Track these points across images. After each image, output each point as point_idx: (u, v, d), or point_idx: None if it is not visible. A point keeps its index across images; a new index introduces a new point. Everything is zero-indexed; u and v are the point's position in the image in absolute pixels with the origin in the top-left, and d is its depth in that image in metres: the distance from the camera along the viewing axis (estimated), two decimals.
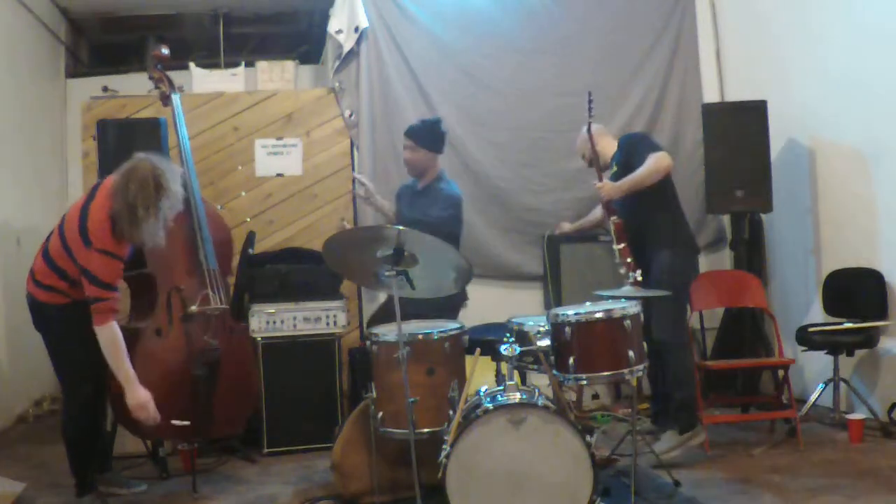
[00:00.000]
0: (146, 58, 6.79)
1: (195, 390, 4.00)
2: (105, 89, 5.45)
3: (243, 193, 5.41)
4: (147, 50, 6.82)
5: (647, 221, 4.30)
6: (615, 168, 4.38)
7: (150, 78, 4.36)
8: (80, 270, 3.55)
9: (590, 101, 4.28)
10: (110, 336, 3.55)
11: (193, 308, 4.07)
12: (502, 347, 3.35)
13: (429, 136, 4.60)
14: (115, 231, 3.53)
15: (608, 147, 4.50)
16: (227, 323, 4.30)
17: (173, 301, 4.09)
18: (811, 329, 4.71)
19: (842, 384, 4.64)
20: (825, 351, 4.64)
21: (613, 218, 4.26)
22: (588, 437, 3.16)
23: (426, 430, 3.42)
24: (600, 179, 4.33)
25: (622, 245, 4.21)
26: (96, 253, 3.52)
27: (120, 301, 3.65)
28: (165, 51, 4.38)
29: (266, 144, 5.45)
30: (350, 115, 5.61)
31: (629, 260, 4.15)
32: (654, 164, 4.13)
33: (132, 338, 3.94)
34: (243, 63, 5.80)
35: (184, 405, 3.99)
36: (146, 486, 4.07)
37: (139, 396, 3.61)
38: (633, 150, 4.29)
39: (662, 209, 4.31)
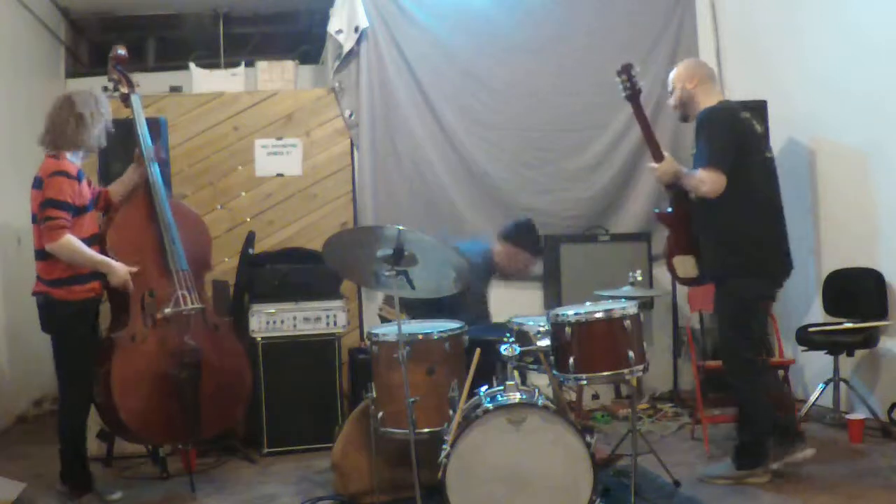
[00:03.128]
0: (147, 57, 6.81)
1: (180, 393, 3.96)
2: (105, 89, 5.43)
3: (243, 193, 5.41)
4: (147, 50, 6.83)
5: (713, 238, 3.85)
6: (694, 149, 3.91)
7: (110, 79, 4.31)
8: (40, 207, 3.69)
9: (627, 75, 3.91)
10: (73, 243, 3.67)
11: (168, 310, 4.02)
12: (502, 347, 3.35)
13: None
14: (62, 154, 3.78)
15: (706, 102, 3.87)
16: (209, 321, 4.23)
17: (147, 305, 4.01)
18: (811, 329, 4.72)
19: (842, 384, 4.64)
20: (825, 351, 4.63)
21: (658, 210, 4.16)
22: (588, 437, 3.16)
23: (426, 430, 3.42)
24: (655, 158, 3.91)
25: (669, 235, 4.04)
26: (49, 178, 3.69)
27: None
28: (122, 52, 4.31)
29: (266, 144, 5.45)
30: (350, 115, 5.61)
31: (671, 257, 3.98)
32: (698, 181, 3.71)
33: (112, 346, 3.90)
34: (243, 63, 5.80)
35: (171, 408, 3.95)
36: (121, 494, 3.97)
37: (122, 269, 3.82)
38: (697, 138, 3.79)
39: (737, 232, 3.77)
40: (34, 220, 3.79)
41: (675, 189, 3.92)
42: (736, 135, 3.72)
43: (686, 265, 3.95)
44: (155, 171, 4.16)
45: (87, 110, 3.84)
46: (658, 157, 3.88)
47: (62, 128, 3.80)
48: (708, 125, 3.74)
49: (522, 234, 4.48)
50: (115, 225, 4.00)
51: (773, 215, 3.85)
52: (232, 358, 4.30)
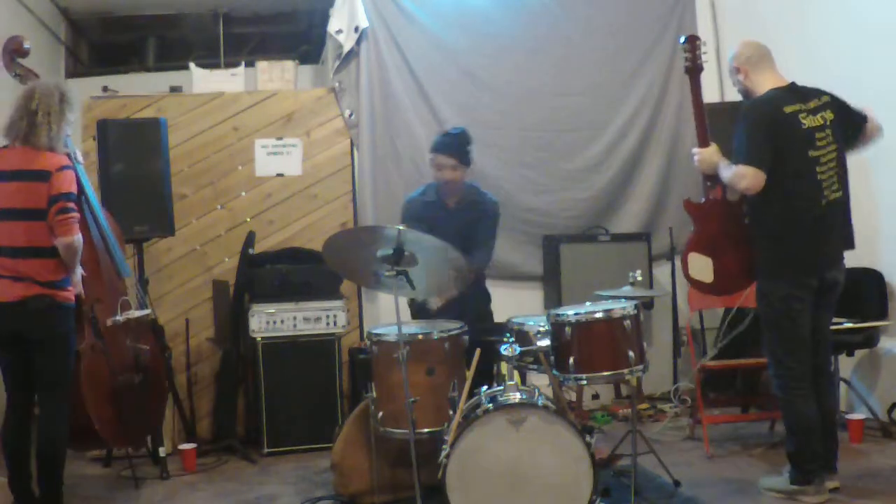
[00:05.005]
0: (147, 57, 6.81)
1: (137, 395, 4.01)
2: (105, 89, 5.44)
3: (243, 193, 5.41)
4: (147, 50, 6.84)
5: (752, 235, 3.70)
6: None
7: (15, 75, 3.98)
8: (53, 200, 3.49)
9: (691, 47, 3.73)
10: (80, 241, 3.58)
11: (119, 318, 3.99)
12: (502, 347, 3.35)
13: (467, 151, 4.32)
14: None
15: (761, 85, 3.69)
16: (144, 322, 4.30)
17: (98, 314, 3.94)
18: None
19: (842, 384, 4.64)
20: None
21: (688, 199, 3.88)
22: (588, 437, 3.16)
23: (426, 430, 3.42)
24: (699, 143, 3.72)
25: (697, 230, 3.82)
26: (59, 172, 3.52)
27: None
28: (27, 44, 4.02)
29: (266, 144, 5.45)
30: (350, 115, 5.60)
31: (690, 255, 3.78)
32: (738, 175, 3.51)
33: (77, 359, 3.76)
34: (243, 63, 5.79)
35: (133, 411, 3.98)
36: None
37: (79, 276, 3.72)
38: (735, 131, 3.61)
39: (763, 231, 3.65)
40: (23, 215, 3.52)
41: (714, 182, 3.72)
42: (772, 134, 3.53)
43: (701, 265, 3.76)
44: (83, 174, 3.99)
45: (41, 107, 3.59)
46: (703, 142, 3.71)
47: (17, 126, 3.59)
48: (745, 121, 3.58)
49: (442, 139, 4.35)
50: None
51: (810, 214, 3.56)
52: (155, 351, 4.39)
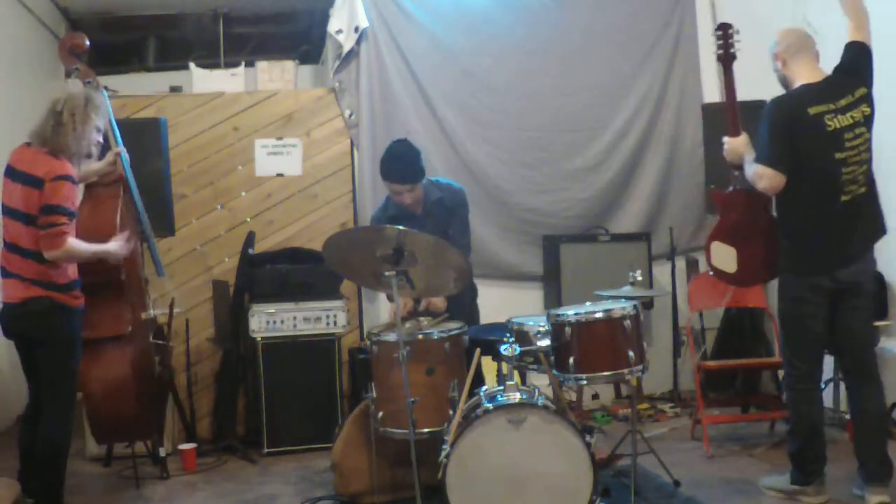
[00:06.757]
0: (147, 57, 6.82)
1: (159, 390, 4.16)
2: (105, 89, 5.43)
3: (243, 193, 5.41)
4: (147, 50, 6.84)
5: (779, 236, 3.64)
6: None
7: (75, 69, 4.02)
8: (41, 211, 3.45)
9: (724, 34, 3.74)
10: (73, 246, 3.50)
11: (153, 312, 4.08)
12: (502, 347, 3.35)
13: (418, 169, 4.12)
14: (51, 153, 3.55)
15: (797, 76, 3.63)
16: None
17: (135, 306, 4.03)
18: None
19: (842, 384, 4.64)
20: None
21: (714, 187, 3.80)
22: (588, 437, 3.16)
23: (426, 430, 3.42)
24: (730, 132, 3.65)
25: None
26: (52, 182, 3.48)
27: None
28: (88, 42, 4.07)
29: (266, 144, 5.45)
30: (350, 115, 5.60)
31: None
32: (756, 175, 3.48)
33: (114, 348, 3.84)
34: (243, 63, 5.79)
35: (154, 405, 4.12)
36: None
37: (117, 246, 3.75)
38: (760, 125, 3.54)
39: (780, 229, 3.62)
40: (25, 219, 3.52)
41: (742, 171, 3.64)
42: (793, 135, 3.45)
43: (724, 255, 3.70)
44: (129, 173, 4.07)
45: (66, 109, 3.60)
46: (734, 131, 3.65)
47: (43, 128, 3.60)
48: (767, 120, 3.50)
49: (388, 164, 4.09)
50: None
51: (826, 214, 3.49)
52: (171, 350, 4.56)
